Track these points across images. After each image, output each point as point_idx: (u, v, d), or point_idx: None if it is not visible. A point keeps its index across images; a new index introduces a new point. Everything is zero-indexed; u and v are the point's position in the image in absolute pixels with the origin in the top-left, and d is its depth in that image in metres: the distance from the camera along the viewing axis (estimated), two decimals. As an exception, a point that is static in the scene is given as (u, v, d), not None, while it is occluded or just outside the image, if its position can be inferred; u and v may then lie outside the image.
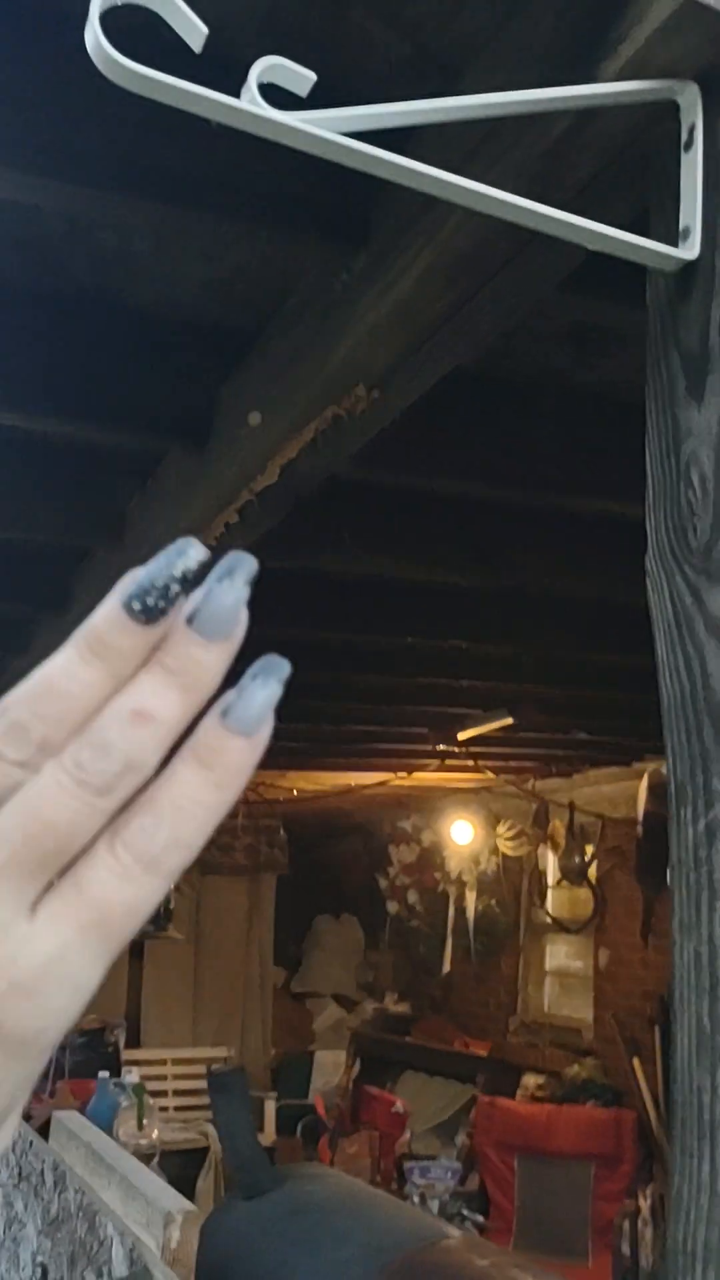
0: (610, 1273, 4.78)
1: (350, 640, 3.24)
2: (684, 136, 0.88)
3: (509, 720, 3.94)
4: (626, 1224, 4.65)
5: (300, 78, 0.77)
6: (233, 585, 0.33)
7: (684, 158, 0.87)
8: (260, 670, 0.34)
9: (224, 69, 0.94)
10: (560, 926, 6.89)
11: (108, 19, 0.75)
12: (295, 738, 4.84)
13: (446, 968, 7.55)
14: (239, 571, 0.34)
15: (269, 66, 0.77)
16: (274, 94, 0.82)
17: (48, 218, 1.51)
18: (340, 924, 9.03)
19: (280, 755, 5.51)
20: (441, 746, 4.66)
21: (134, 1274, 1.81)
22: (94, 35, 0.73)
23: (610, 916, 6.36)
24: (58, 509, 2.24)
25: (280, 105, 0.83)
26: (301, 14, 1.21)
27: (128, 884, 0.32)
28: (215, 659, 0.33)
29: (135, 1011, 8.04)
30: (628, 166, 0.95)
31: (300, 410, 1.49)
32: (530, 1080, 6.60)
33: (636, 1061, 5.72)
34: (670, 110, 0.90)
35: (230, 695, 0.33)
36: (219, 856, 8.12)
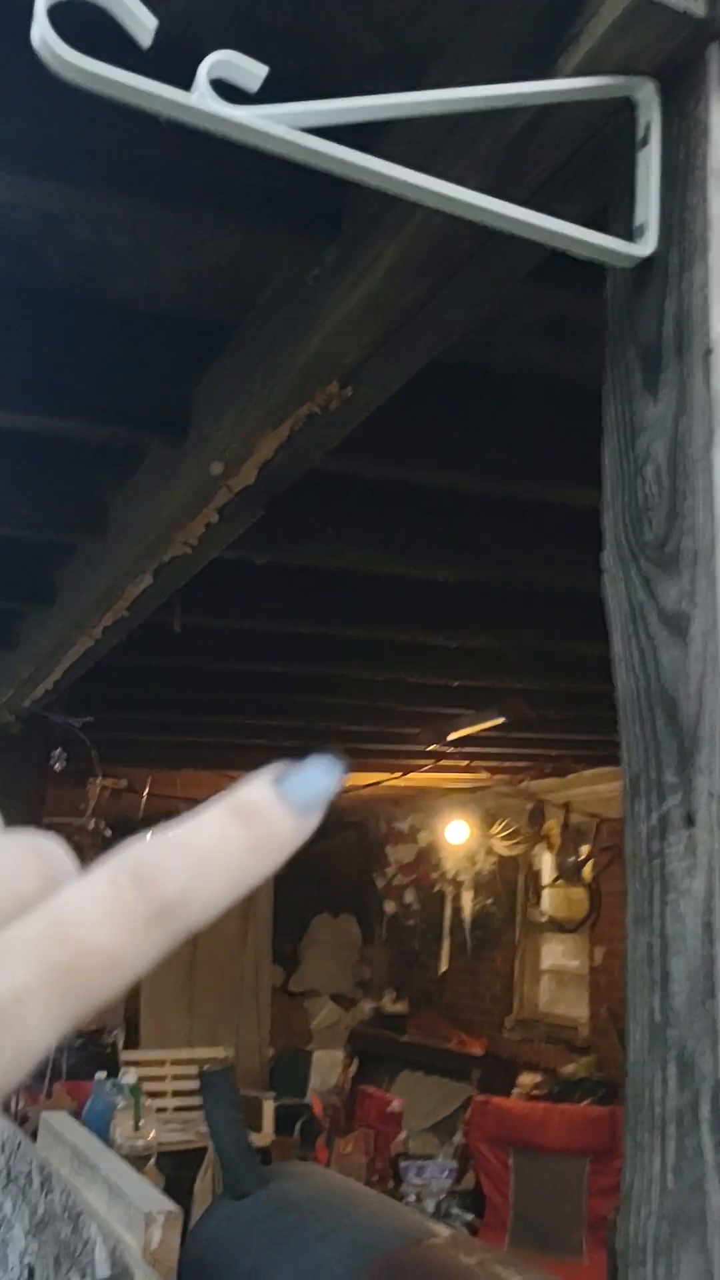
0: (605, 1269, 4.78)
1: (335, 634, 3.24)
2: (640, 133, 0.88)
3: (500, 720, 3.94)
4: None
5: (251, 73, 0.77)
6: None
7: (640, 154, 0.87)
8: (321, 761, 0.30)
9: (192, 66, 0.94)
10: (556, 925, 6.89)
11: (56, 15, 0.75)
12: (287, 735, 4.84)
13: (443, 966, 7.55)
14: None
15: (219, 61, 0.77)
16: (229, 90, 0.82)
17: (23, 213, 1.51)
18: (337, 922, 9.03)
19: (274, 754, 5.51)
20: (434, 747, 4.67)
21: (115, 1275, 1.81)
22: (39, 31, 0.73)
23: (605, 915, 6.36)
24: (40, 504, 2.24)
25: (238, 101, 0.83)
26: (272, 11, 1.21)
27: (121, 928, 0.24)
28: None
29: (133, 1012, 8.05)
30: (587, 162, 0.95)
31: (274, 407, 1.49)
32: (527, 1079, 6.60)
33: (631, 1059, 5.72)
34: (627, 107, 0.90)
35: (286, 769, 0.29)
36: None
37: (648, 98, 0.88)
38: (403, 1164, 6.03)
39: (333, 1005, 8.54)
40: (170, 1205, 1.78)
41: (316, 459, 1.61)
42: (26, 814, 3.75)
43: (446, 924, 7.48)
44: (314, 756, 0.31)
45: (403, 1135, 6.34)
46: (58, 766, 3.60)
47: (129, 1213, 1.82)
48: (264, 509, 1.77)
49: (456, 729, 4.26)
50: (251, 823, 0.28)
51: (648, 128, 0.87)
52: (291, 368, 1.41)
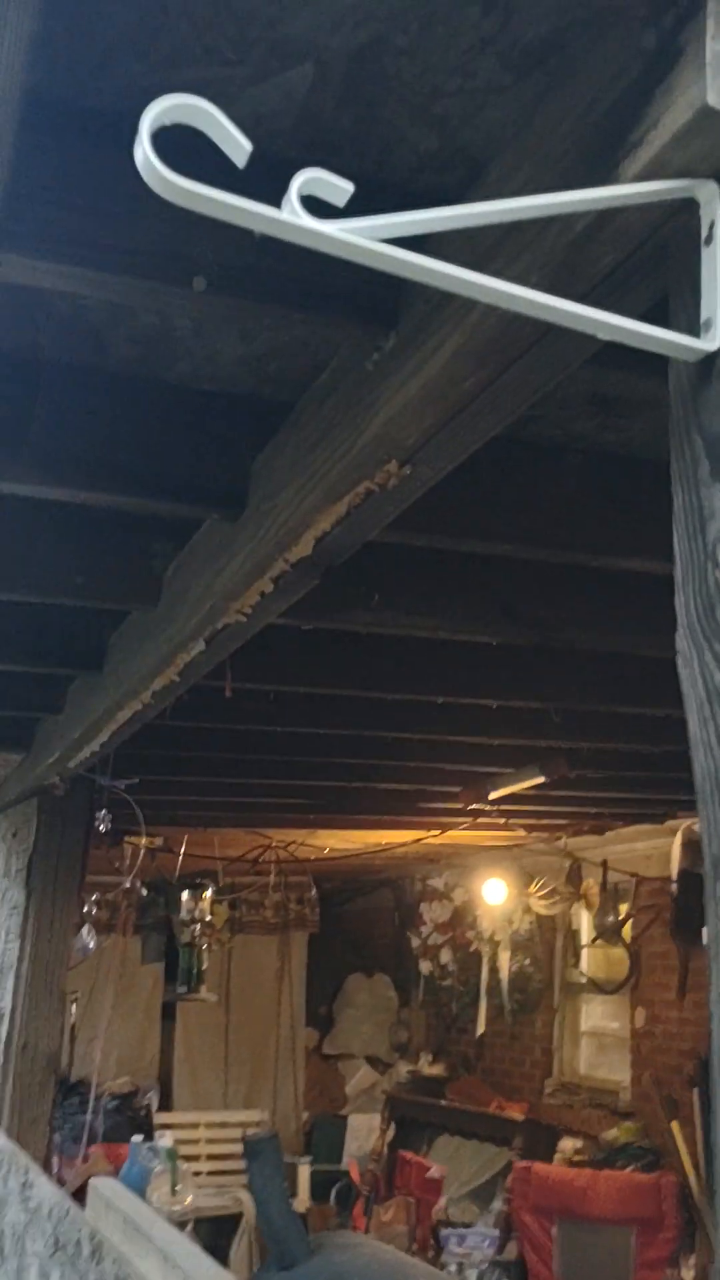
0: (654, 1346, 4.65)
1: (380, 699, 3.27)
2: (704, 231, 0.92)
3: (540, 779, 3.94)
4: (670, 1295, 4.53)
5: (338, 189, 0.82)
6: None
7: (704, 251, 0.91)
8: None
9: (260, 166, 0.99)
10: (595, 986, 6.80)
11: (157, 137, 0.81)
12: (326, 795, 4.85)
13: (481, 1028, 7.45)
14: None
15: (310, 179, 0.82)
16: (312, 201, 0.87)
17: (92, 303, 1.58)
18: (372, 983, 8.94)
19: (311, 813, 5.52)
20: (474, 805, 4.66)
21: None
22: (144, 154, 0.78)
23: (646, 975, 6.27)
24: (95, 574, 2.29)
25: (318, 212, 0.88)
26: (334, 112, 1.27)
27: None
28: None
29: (167, 1074, 7.98)
30: (647, 259, 0.99)
31: (333, 483, 1.53)
32: (568, 1144, 6.47)
33: (675, 1124, 5.61)
34: (689, 205, 0.94)
35: None
36: (249, 914, 8.09)
37: (709, 197, 0.92)
38: (443, 1232, 5.92)
39: (368, 1068, 8.43)
40: (228, 1275, 1.77)
41: (373, 533, 1.65)
42: (70, 874, 3.78)
43: (484, 985, 7.39)
44: None
45: (442, 1202, 6.22)
46: (103, 829, 3.63)
47: (185, 1285, 1.81)
48: (319, 580, 1.81)
49: (497, 788, 4.26)
50: None
51: (711, 226, 0.91)
52: (351, 447, 1.45)
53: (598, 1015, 7.04)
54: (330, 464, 1.52)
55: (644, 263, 1.01)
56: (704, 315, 0.89)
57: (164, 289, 1.38)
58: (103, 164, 1.29)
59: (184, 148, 0.86)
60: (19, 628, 2.70)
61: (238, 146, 0.80)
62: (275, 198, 0.87)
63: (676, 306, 0.95)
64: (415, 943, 8.07)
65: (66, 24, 1.13)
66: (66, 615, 2.69)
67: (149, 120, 0.79)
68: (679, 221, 0.97)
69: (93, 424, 1.77)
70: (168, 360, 1.71)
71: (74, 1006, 5.98)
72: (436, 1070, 7.93)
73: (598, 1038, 7.04)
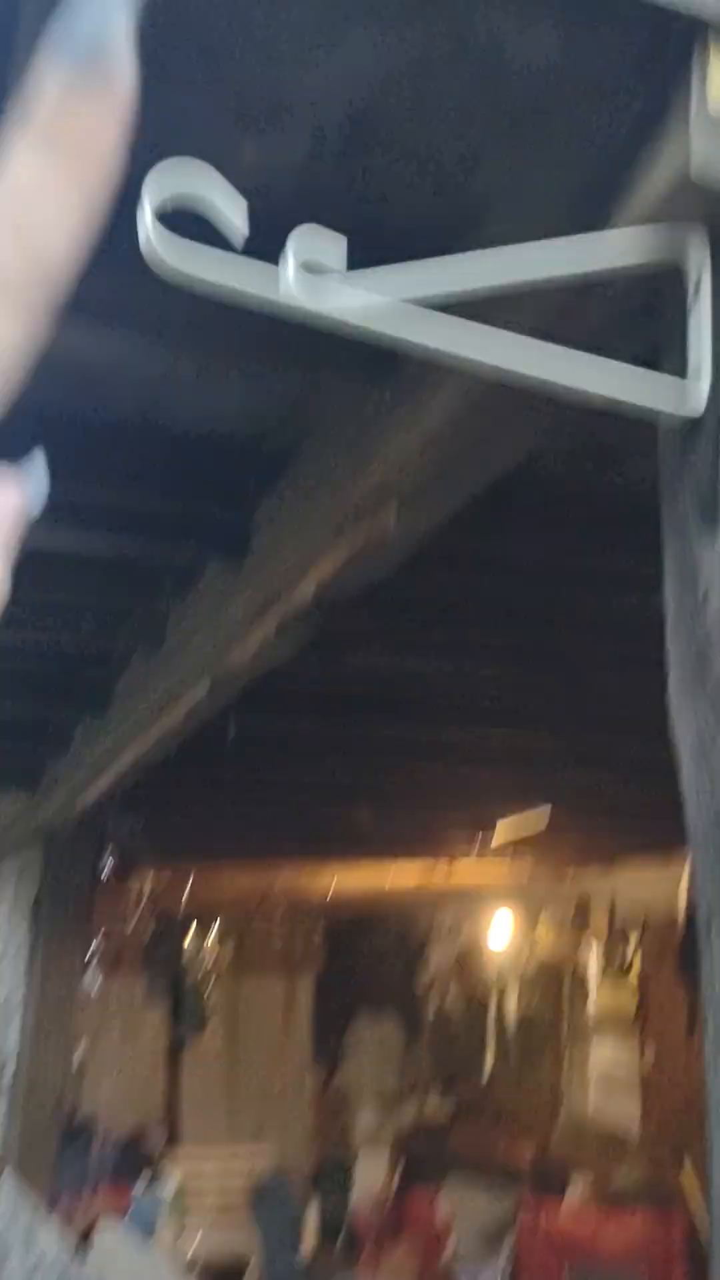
0: None
1: (387, 735, 3.27)
2: (690, 288, 0.95)
3: (545, 820, 3.93)
4: (683, 1339, 4.46)
5: (333, 251, 0.85)
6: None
7: (691, 307, 0.94)
8: None
9: (260, 226, 1.02)
10: (603, 1023, 6.74)
11: (163, 220, 0.83)
12: (331, 835, 4.84)
13: (488, 1068, 7.37)
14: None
15: (302, 244, 0.85)
16: (310, 264, 0.90)
17: (97, 356, 1.61)
18: (379, 1022, 8.86)
19: (316, 853, 5.50)
20: (479, 845, 4.65)
21: None
22: (146, 235, 0.80)
23: (654, 1013, 6.21)
24: (101, 618, 2.31)
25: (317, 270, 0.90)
26: (331, 174, 1.30)
27: None
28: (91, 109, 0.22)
29: (173, 1113, 7.91)
30: (635, 316, 1.02)
31: (334, 530, 1.55)
32: (578, 1184, 6.39)
33: (686, 1163, 5.54)
34: (678, 259, 0.97)
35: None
36: (255, 953, 8.05)
37: (697, 254, 0.95)
38: (454, 1270, 5.84)
39: (376, 1108, 8.34)
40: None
41: (373, 578, 1.67)
42: (76, 914, 3.78)
43: (491, 1024, 7.32)
44: None
45: (451, 1242, 6.14)
46: (107, 869, 3.63)
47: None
48: (320, 626, 1.83)
49: (504, 830, 4.25)
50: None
51: (698, 283, 0.93)
52: (351, 494, 1.48)
53: (606, 1054, 6.97)
54: (330, 511, 1.55)
55: (632, 320, 1.03)
56: (690, 366, 0.92)
57: (165, 345, 1.41)
58: (106, 227, 1.32)
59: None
60: (27, 670, 2.72)
61: (234, 229, 0.83)
62: (273, 256, 0.90)
63: (664, 361, 0.97)
64: (422, 982, 8.01)
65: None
66: (73, 658, 2.71)
67: (151, 202, 0.81)
68: (667, 278, 0.99)
69: (98, 472, 1.79)
70: (170, 410, 1.74)
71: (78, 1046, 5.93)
72: (444, 1110, 7.84)
73: (606, 1075, 6.96)
